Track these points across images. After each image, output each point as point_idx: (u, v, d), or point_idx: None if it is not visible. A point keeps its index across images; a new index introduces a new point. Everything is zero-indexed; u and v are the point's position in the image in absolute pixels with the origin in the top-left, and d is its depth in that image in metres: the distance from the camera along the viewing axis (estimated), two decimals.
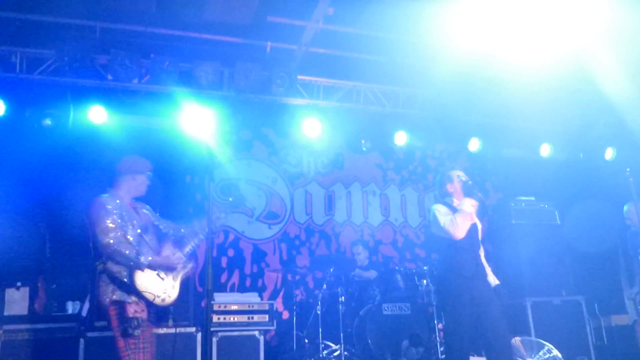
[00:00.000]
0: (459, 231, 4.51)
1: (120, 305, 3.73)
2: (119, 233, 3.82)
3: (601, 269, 8.04)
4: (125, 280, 3.75)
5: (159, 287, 3.87)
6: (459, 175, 4.79)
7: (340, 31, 6.41)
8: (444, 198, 4.82)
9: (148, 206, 4.29)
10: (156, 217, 4.28)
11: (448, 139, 8.35)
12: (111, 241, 3.76)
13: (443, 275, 4.80)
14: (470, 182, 4.69)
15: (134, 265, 3.77)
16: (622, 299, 7.72)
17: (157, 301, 3.84)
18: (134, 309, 3.71)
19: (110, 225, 3.81)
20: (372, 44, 6.66)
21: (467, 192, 4.63)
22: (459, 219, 4.52)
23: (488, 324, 4.41)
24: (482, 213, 7.80)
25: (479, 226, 4.80)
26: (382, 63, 7.04)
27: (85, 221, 3.94)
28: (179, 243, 4.16)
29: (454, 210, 4.63)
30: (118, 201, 3.98)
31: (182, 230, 4.25)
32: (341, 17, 6.18)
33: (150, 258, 3.83)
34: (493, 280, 4.70)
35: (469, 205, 4.55)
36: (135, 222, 3.99)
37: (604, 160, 8.29)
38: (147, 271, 3.82)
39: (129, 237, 3.87)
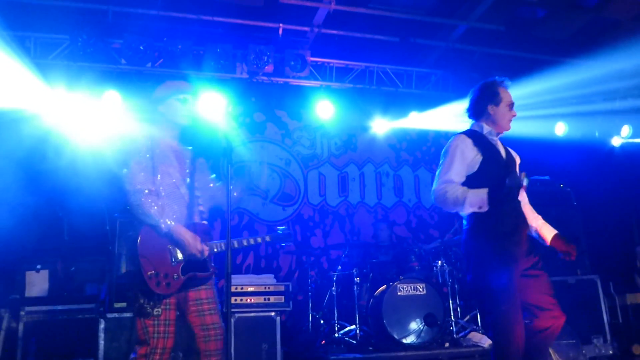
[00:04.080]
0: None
1: None
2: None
3: (616, 248, 8.00)
4: None
5: None
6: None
7: (352, 12, 6.38)
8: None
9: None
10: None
11: (461, 119, 8.30)
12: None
13: None
14: None
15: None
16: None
17: None
18: None
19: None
20: (385, 24, 6.64)
21: None
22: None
23: None
24: None
25: None
26: (394, 43, 7.01)
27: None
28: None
29: None
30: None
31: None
32: None
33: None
34: None
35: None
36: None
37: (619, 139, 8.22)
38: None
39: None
